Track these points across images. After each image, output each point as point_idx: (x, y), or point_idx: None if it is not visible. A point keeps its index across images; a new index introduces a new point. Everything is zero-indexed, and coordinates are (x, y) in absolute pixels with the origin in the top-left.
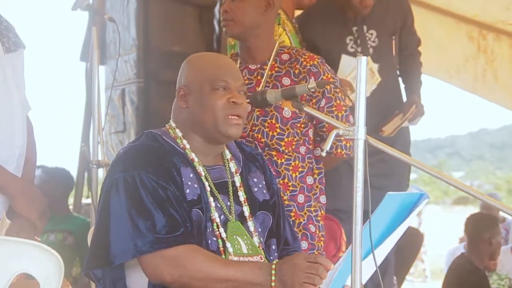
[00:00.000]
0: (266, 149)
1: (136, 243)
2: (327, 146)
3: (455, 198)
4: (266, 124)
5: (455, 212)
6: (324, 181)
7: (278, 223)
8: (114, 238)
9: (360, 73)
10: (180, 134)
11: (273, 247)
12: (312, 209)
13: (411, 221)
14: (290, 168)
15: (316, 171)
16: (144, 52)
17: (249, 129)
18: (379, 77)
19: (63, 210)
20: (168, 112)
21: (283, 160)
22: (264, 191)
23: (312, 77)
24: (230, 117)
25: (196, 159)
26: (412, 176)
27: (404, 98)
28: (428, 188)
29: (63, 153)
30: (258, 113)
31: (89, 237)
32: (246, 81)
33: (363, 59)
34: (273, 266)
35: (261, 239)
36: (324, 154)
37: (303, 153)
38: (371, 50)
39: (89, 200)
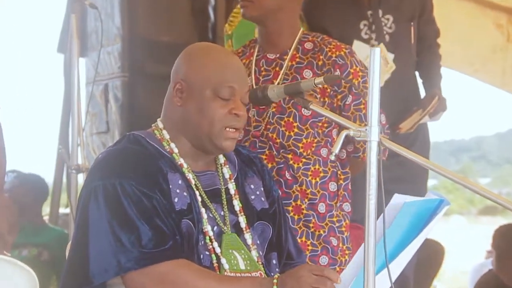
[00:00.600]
0: (281, 151)
1: (119, 259)
2: (336, 149)
3: (481, 207)
4: (282, 123)
5: (482, 224)
6: (349, 187)
7: (279, 234)
8: (93, 254)
9: (373, 66)
10: (167, 136)
11: (274, 261)
12: (334, 219)
13: (429, 231)
14: (309, 173)
15: (342, 176)
16: (129, 43)
17: (263, 128)
18: (393, 64)
19: (37, 221)
20: (157, 110)
21: (300, 164)
22: (263, 199)
23: (338, 69)
24: (227, 129)
25: (185, 165)
26: (433, 182)
27: (422, 93)
28: (451, 196)
29: (38, 157)
30: (274, 110)
31: (67, 252)
32: (263, 73)
33: (377, 49)
34: (275, 281)
35: (260, 253)
36: (332, 157)
37: (325, 156)
38: (387, 37)
39: (67, 210)
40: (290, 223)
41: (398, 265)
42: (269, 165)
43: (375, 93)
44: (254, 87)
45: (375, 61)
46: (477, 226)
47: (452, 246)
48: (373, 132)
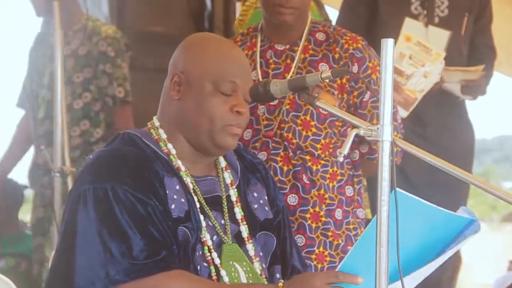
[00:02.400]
0: (298, 152)
1: (108, 271)
2: (345, 149)
3: (505, 214)
4: (298, 122)
5: (506, 232)
6: (362, 192)
7: (284, 248)
8: (80, 264)
9: (386, 59)
10: (164, 136)
11: (278, 275)
12: (351, 226)
13: (453, 252)
14: (327, 176)
15: (355, 180)
16: None
17: (276, 127)
18: (441, 51)
19: (12, 229)
20: (149, 107)
21: (319, 167)
22: (266, 208)
23: (356, 63)
24: (229, 126)
25: (183, 168)
26: None
27: None
28: (471, 201)
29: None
30: (288, 107)
31: (50, 261)
32: (272, 65)
33: (389, 41)
34: (280, 285)
35: (263, 266)
36: (341, 159)
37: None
38: (436, 20)
39: None
40: (308, 232)
41: (413, 280)
42: (285, 168)
43: (387, 88)
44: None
45: (388, 54)
46: (500, 235)
47: (472, 256)
48: (385, 131)
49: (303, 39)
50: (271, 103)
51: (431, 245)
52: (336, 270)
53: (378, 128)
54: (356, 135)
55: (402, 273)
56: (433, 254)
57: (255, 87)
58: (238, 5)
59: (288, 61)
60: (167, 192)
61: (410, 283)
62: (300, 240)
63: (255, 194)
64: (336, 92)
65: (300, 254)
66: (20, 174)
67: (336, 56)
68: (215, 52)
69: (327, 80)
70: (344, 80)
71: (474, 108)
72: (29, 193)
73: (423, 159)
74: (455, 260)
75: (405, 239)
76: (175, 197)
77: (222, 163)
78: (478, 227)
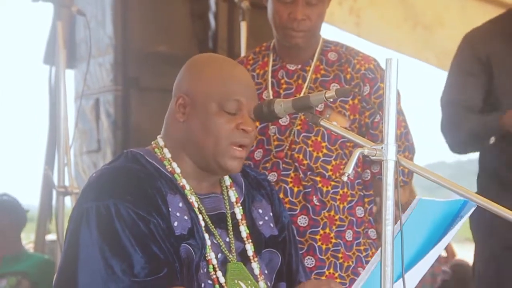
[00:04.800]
0: (308, 173)
1: None
2: (349, 168)
3: None
4: (309, 142)
5: None
6: (373, 211)
7: (289, 264)
8: (82, 282)
9: (389, 78)
10: (168, 155)
11: None
12: (361, 247)
13: (452, 235)
14: (338, 197)
15: (366, 200)
16: (122, 54)
17: (287, 148)
18: None
19: (14, 249)
20: (153, 127)
21: (329, 188)
22: (271, 225)
23: (368, 84)
24: (233, 147)
25: (187, 187)
26: None
27: None
28: None
29: (23, 178)
30: (299, 127)
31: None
32: (284, 86)
33: (394, 59)
34: None
35: (268, 284)
36: (345, 178)
37: (352, 178)
38: None
39: (55, 236)
40: (318, 254)
41: (417, 272)
42: (295, 189)
43: (391, 108)
44: None
45: (392, 73)
46: None
47: None
48: (389, 151)
49: (315, 59)
50: (282, 124)
51: (431, 234)
52: None
53: (382, 147)
54: (361, 154)
55: (407, 267)
56: (433, 241)
57: (259, 106)
58: (243, 25)
59: (300, 81)
60: (170, 209)
61: (416, 274)
62: (310, 261)
63: (260, 211)
64: (347, 113)
65: (306, 271)
66: (24, 194)
67: (348, 76)
68: (218, 72)
69: (331, 100)
70: (356, 101)
71: None
72: (32, 213)
73: (428, 178)
74: None
75: (410, 240)
76: (178, 214)
77: (227, 181)
78: (473, 204)
